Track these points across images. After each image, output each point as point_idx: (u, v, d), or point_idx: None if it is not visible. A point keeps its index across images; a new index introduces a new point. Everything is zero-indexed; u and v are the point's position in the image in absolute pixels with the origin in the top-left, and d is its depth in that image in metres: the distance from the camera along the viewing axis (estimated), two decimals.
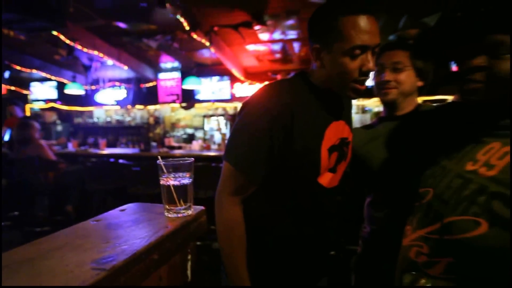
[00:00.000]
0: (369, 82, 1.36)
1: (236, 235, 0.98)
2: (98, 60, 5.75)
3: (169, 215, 0.83)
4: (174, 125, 7.18)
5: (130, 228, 0.76)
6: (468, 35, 0.80)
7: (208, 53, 5.41)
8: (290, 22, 4.18)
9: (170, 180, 0.81)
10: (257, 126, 0.96)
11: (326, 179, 1.05)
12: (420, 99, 1.41)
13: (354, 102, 6.27)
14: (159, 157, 0.83)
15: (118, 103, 7.08)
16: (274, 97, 0.99)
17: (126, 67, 5.80)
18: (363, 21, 0.91)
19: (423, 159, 1.03)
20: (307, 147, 0.99)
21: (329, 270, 1.26)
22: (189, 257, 0.85)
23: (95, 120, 7.55)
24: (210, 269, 2.75)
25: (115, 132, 7.22)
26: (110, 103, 7.09)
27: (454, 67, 0.96)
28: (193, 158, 0.84)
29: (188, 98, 6.61)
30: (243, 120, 1.00)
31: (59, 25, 3.69)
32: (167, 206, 0.83)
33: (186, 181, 0.82)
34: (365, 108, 6.14)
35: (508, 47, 0.72)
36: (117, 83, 7.01)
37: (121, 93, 7.02)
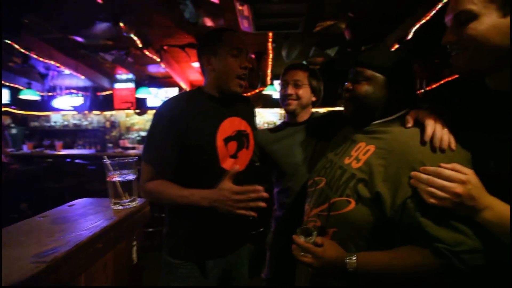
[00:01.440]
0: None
1: (157, 189, 1.01)
2: (55, 69, 5.06)
3: (116, 208, 0.76)
4: (129, 129, 6.66)
5: (76, 222, 0.68)
6: (347, 66, 0.90)
7: (159, 68, 5.14)
8: None
9: (115, 177, 0.75)
10: (159, 131, 1.02)
11: (229, 164, 1.08)
12: (326, 109, 1.50)
13: (277, 111, 6.51)
14: (105, 156, 0.75)
15: (76, 108, 6.30)
16: (171, 107, 1.06)
17: (83, 77, 5.21)
18: (236, 35, 1.11)
19: (317, 155, 1.11)
20: (202, 140, 1.04)
21: (249, 238, 1.28)
22: (134, 242, 0.79)
23: (52, 124, 6.62)
24: (161, 250, 2.65)
25: (73, 135, 6.42)
26: (67, 108, 6.28)
27: None
28: (137, 157, 0.78)
29: (141, 105, 6.19)
30: (150, 128, 1.06)
31: (12, 35, 3.16)
32: (113, 200, 0.76)
33: (131, 177, 0.76)
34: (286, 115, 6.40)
35: (364, 76, 0.84)
36: (74, 91, 6.24)
37: (78, 99, 6.26)
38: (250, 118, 1.24)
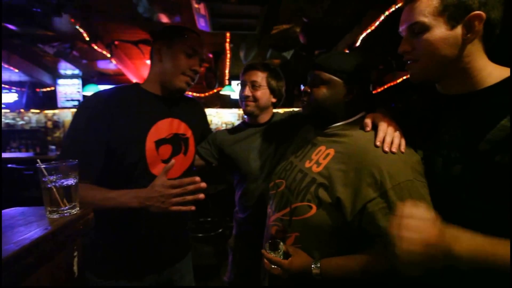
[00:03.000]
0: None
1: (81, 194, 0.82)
2: None
3: (52, 216, 0.67)
4: None
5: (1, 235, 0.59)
6: (303, 68, 0.92)
7: (110, 64, 4.76)
8: None
9: (52, 182, 0.66)
10: (82, 126, 0.90)
11: (160, 169, 0.97)
12: (282, 110, 1.49)
13: (235, 111, 6.50)
14: (38, 160, 0.66)
15: (8, 106, 5.55)
16: (99, 100, 0.94)
17: (17, 70, 4.59)
18: (199, 39, 1.06)
19: (278, 156, 1.11)
20: (130, 140, 0.94)
21: (188, 249, 1.20)
22: (75, 253, 0.71)
23: None
24: None
25: (5, 136, 5.62)
26: None
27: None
28: (77, 160, 0.70)
29: None
30: (72, 122, 0.92)
31: None
32: (49, 208, 0.67)
33: (70, 182, 0.68)
34: (244, 116, 6.41)
35: (321, 79, 0.84)
36: (6, 86, 5.48)
37: (11, 96, 5.53)
38: (194, 121, 1.16)
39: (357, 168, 0.72)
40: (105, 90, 1.00)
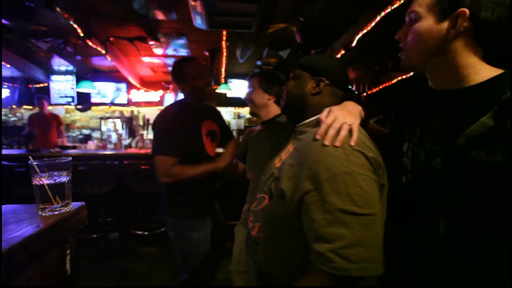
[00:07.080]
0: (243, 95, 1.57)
1: (181, 172, 1.45)
2: None
3: (44, 214, 0.66)
4: (69, 126, 6.01)
5: None
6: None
7: (105, 60, 4.71)
8: (181, 41, 4.01)
9: (44, 180, 0.65)
10: (166, 132, 1.46)
11: (209, 149, 1.58)
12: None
13: (231, 110, 6.49)
14: (30, 157, 0.65)
15: None
16: (169, 115, 1.51)
17: (9, 65, 4.51)
18: (199, 63, 1.58)
19: (272, 153, 1.13)
20: (193, 135, 1.51)
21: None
22: (68, 251, 0.70)
23: None
24: (107, 257, 2.46)
25: None
26: None
27: None
28: (70, 158, 0.69)
29: (84, 101, 5.62)
30: (158, 131, 1.50)
31: None
32: (41, 206, 0.66)
33: (63, 179, 0.67)
34: (240, 115, 6.42)
35: (292, 76, 0.91)
36: None
37: (2, 91, 5.43)
38: (217, 121, 1.69)
39: (300, 162, 0.72)
40: (173, 106, 1.57)
